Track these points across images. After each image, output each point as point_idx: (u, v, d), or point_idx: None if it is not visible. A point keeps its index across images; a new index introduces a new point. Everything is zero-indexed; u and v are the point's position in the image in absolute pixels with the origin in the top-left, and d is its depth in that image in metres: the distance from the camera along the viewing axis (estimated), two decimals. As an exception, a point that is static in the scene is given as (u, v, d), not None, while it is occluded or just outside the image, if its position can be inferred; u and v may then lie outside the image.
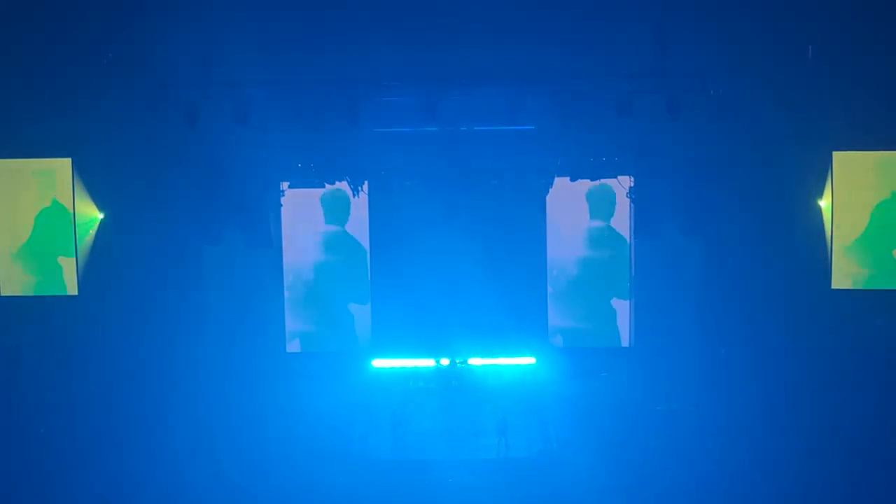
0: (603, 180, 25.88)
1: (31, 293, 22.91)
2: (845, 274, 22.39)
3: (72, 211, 22.48)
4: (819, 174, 22.49)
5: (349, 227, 27.03)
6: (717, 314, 24.57)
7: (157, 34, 21.29)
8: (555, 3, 21.76)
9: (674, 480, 21.12)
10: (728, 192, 23.52)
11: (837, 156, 22.11)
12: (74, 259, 22.60)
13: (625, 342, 27.09)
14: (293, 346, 27.08)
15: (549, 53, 22.13)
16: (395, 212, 26.43)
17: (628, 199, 25.66)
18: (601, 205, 26.85)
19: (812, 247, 22.87)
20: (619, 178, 25.53)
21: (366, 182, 25.85)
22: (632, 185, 25.36)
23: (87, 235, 23.16)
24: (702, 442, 22.37)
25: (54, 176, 22.47)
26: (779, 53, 21.63)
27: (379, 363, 26.53)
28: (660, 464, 21.81)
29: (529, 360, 26.46)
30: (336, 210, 26.97)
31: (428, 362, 26.42)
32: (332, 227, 27.04)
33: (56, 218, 22.62)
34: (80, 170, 22.67)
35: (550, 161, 24.72)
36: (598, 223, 26.95)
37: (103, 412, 22.97)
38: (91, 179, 23.06)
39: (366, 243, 26.93)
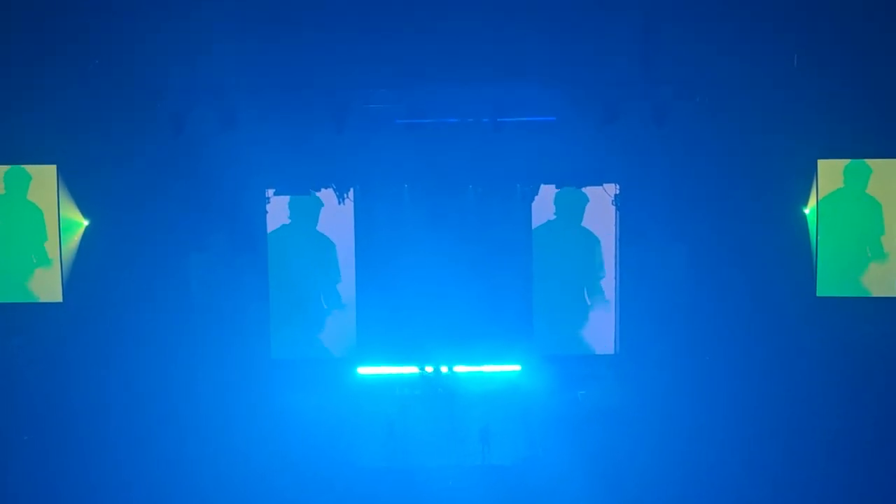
0: (588, 188, 25.96)
1: (13, 300, 22.83)
2: (830, 281, 22.53)
3: (57, 217, 22.42)
4: (804, 182, 22.63)
5: (334, 236, 26.94)
6: (702, 321, 24.56)
7: (143, 40, 21.26)
8: (540, 9, 21.83)
9: (659, 488, 21.13)
10: (713, 200, 23.62)
11: (822, 164, 22.26)
12: (59, 266, 22.54)
13: (610, 349, 27.07)
14: (278, 353, 26.98)
15: (535, 61, 22.21)
16: (381, 219, 26.38)
17: (614, 207, 25.68)
18: (570, 207, 26.76)
19: (797, 254, 23.01)
20: (605, 185, 25.57)
21: (351, 189, 25.77)
22: (617, 192, 25.39)
23: (72, 242, 23.09)
24: (687, 449, 22.35)
25: (39, 182, 22.43)
26: (764, 61, 21.74)
27: (364, 370, 26.49)
28: (645, 472, 21.81)
29: (515, 368, 26.45)
30: (305, 213, 26.86)
31: (413, 369, 26.38)
32: (316, 234, 26.96)
33: (40, 224, 22.55)
34: (64, 176, 22.63)
35: (536, 169, 24.72)
36: (571, 225, 26.91)
37: (86, 419, 22.84)
38: (76, 186, 23.00)
39: (352, 250, 26.83)
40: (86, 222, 23.38)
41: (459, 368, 26.30)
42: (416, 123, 23.09)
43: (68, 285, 22.85)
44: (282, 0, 21.77)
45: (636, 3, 21.70)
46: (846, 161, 22.39)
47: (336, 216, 26.63)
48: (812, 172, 22.35)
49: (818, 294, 22.64)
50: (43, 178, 22.55)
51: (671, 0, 21.47)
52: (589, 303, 27.05)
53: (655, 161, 23.79)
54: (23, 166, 22.57)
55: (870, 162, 22.39)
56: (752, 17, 21.28)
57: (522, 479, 22.26)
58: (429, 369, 26.27)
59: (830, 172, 22.35)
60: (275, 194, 25.78)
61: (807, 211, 22.78)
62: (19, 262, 22.79)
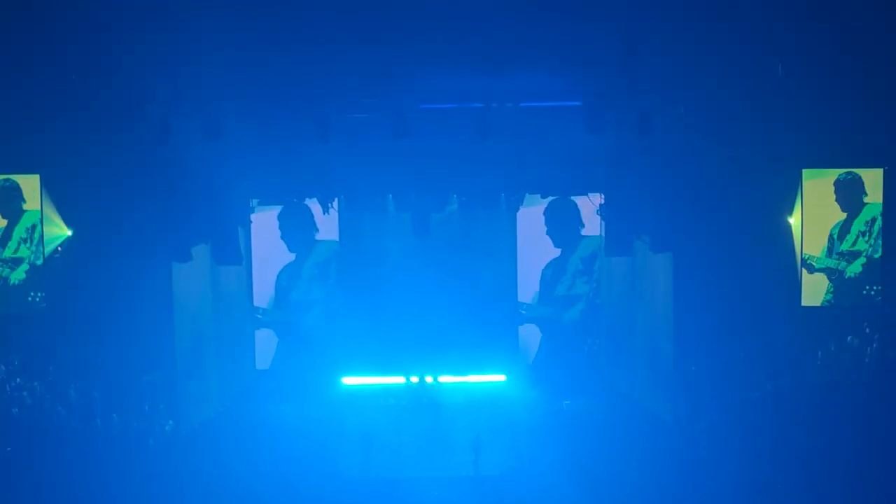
0: (573, 197, 26.03)
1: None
2: (815, 291, 22.57)
3: (40, 227, 22.34)
4: (789, 192, 22.67)
5: (318, 244, 26.93)
6: (686, 331, 24.53)
7: (127, 50, 21.16)
8: (524, 19, 21.80)
9: (646, 498, 21.08)
10: (698, 209, 23.59)
11: (807, 173, 22.31)
12: (42, 275, 22.47)
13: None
14: (262, 363, 26.93)
15: (519, 70, 22.18)
16: (365, 229, 26.38)
17: (598, 216, 25.69)
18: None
19: (782, 264, 23.03)
20: (590, 195, 25.59)
21: (336, 199, 25.73)
22: (602, 202, 25.39)
23: (56, 252, 23.00)
24: (672, 458, 22.32)
25: (22, 192, 22.35)
26: (748, 71, 21.75)
27: (349, 381, 26.44)
28: (631, 482, 21.74)
29: (500, 378, 26.44)
30: (299, 229, 26.86)
31: (398, 379, 26.36)
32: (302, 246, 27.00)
33: (24, 234, 22.46)
34: (48, 186, 22.55)
35: (521, 178, 24.71)
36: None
37: (67, 430, 22.70)
38: (60, 196, 22.93)
39: (335, 260, 26.80)
40: (69, 232, 23.28)
41: (444, 379, 26.31)
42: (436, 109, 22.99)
43: (51, 295, 22.73)
44: (266, 10, 21.66)
45: (620, 12, 21.67)
46: (832, 171, 22.47)
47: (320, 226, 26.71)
48: (797, 182, 22.38)
49: (803, 304, 22.69)
50: (27, 188, 22.50)
51: (655, 10, 21.44)
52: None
53: (641, 170, 23.76)
54: (15, 175, 22.55)
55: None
56: (736, 26, 21.26)
57: (508, 490, 22.17)
58: (414, 379, 26.28)
59: (816, 182, 22.43)
60: (259, 204, 25.75)
61: (791, 220, 22.82)
62: (18, 273, 22.73)
